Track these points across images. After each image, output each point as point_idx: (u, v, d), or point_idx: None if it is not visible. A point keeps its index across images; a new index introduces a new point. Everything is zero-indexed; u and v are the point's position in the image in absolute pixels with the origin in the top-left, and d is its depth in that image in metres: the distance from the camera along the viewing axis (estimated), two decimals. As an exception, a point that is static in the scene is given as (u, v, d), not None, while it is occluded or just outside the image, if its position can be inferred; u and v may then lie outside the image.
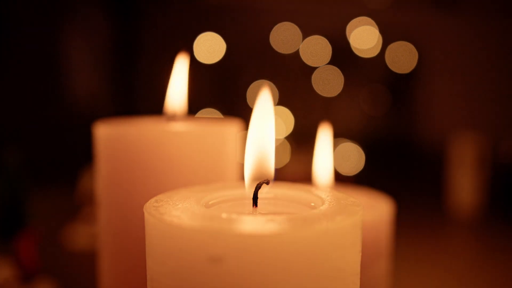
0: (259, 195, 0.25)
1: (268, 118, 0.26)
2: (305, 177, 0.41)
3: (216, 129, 0.37)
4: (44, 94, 1.54)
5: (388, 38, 1.71)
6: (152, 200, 0.25)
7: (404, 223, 0.74)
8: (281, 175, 0.26)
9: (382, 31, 1.70)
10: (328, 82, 1.72)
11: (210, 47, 1.69)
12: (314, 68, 1.73)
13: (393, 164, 1.66)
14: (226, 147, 0.37)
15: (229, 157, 0.37)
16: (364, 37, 1.71)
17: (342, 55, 1.72)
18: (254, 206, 0.25)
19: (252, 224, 0.21)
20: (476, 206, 1.16)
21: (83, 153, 0.82)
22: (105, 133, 0.36)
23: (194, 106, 0.41)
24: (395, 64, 1.74)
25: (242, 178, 0.26)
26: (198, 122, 0.39)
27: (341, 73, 1.72)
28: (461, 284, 0.76)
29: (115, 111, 1.70)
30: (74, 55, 1.67)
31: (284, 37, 1.72)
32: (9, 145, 0.71)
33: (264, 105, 0.26)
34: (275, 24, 1.71)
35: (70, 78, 1.67)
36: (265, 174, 0.25)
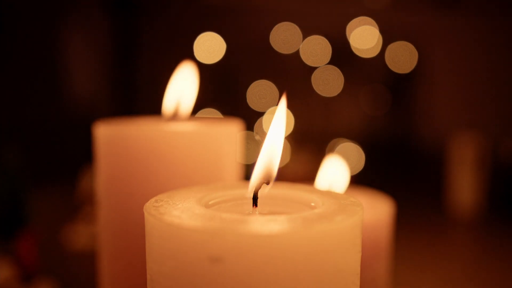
0: (259, 195, 0.25)
1: (281, 124, 0.26)
2: (305, 177, 0.41)
3: (216, 129, 0.37)
4: (44, 94, 1.54)
5: (388, 38, 1.71)
6: (152, 200, 0.25)
7: (404, 223, 0.74)
8: (281, 175, 0.26)
9: (382, 31, 1.70)
10: (328, 82, 1.73)
11: (210, 47, 1.69)
12: (314, 68, 1.73)
13: (393, 164, 1.66)
14: (226, 147, 0.37)
15: (229, 157, 0.37)
16: (364, 37, 1.71)
17: (342, 55, 1.72)
18: (254, 206, 0.25)
19: (252, 224, 0.21)
20: (476, 206, 1.16)
21: (83, 153, 0.82)
22: (105, 133, 0.36)
23: (194, 106, 0.41)
24: (395, 64, 1.74)
25: (243, 178, 0.26)
26: (198, 122, 0.39)
27: (341, 73, 1.72)
28: (461, 284, 0.76)
29: (115, 111, 1.71)
30: (74, 55, 1.67)
31: (284, 37, 1.72)
32: (9, 145, 0.71)
33: (281, 113, 0.27)
34: (275, 24, 1.71)
35: (70, 78, 1.67)
36: (270, 175, 0.26)
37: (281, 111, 0.27)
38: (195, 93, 0.40)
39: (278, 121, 0.26)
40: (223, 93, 1.80)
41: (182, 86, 0.40)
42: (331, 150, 1.64)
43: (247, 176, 0.27)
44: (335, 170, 0.40)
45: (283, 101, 0.27)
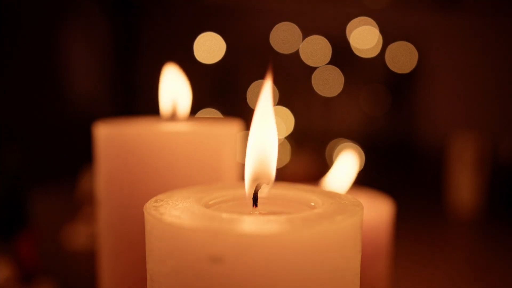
0: (259, 195, 0.25)
1: (269, 118, 0.25)
2: (305, 177, 0.41)
3: (216, 129, 0.37)
4: (44, 94, 1.54)
5: (388, 38, 1.71)
6: (152, 200, 0.25)
7: (404, 223, 0.74)
8: (281, 175, 0.26)
9: (382, 31, 1.70)
10: (328, 82, 1.73)
11: (210, 47, 1.69)
12: (314, 68, 1.73)
13: (393, 164, 1.66)
14: (226, 147, 0.37)
15: (229, 157, 0.37)
16: (364, 37, 1.71)
17: (342, 55, 1.72)
18: (254, 206, 0.25)
19: (252, 224, 0.21)
20: (476, 206, 1.16)
21: (83, 153, 0.82)
22: (105, 133, 0.36)
23: (194, 106, 0.41)
24: (395, 64, 1.74)
25: (242, 178, 0.26)
26: (198, 122, 0.39)
27: (341, 73, 1.72)
28: (460, 284, 0.76)
29: (115, 111, 1.71)
30: (74, 55, 1.67)
31: (284, 37, 1.72)
32: (9, 145, 0.71)
33: (265, 104, 0.25)
34: (275, 24, 1.71)
35: (70, 78, 1.67)
36: (266, 176, 0.25)
37: (266, 101, 0.25)
38: (190, 93, 0.40)
39: (264, 114, 0.25)
40: (223, 93, 1.81)
41: (175, 87, 0.40)
42: (332, 150, 1.64)
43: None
44: (346, 167, 0.40)
45: (268, 86, 0.25)
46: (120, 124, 0.37)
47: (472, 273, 0.81)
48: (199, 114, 1.54)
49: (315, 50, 1.72)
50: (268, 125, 0.25)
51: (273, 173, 0.26)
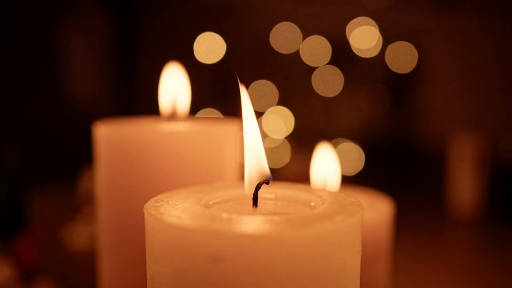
0: (259, 195, 0.25)
1: (252, 121, 0.26)
2: (305, 177, 0.41)
3: (216, 129, 0.37)
4: (44, 94, 1.54)
5: (388, 38, 1.71)
6: (152, 200, 0.25)
7: (404, 223, 0.74)
8: (281, 175, 0.26)
9: (382, 31, 1.70)
10: (328, 82, 1.73)
11: (210, 47, 1.69)
12: (314, 68, 1.73)
13: (393, 164, 1.66)
14: (226, 147, 0.37)
15: (229, 157, 0.37)
16: (364, 37, 1.71)
17: (342, 55, 1.72)
18: (254, 206, 0.25)
19: (252, 224, 0.21)
20: (476, 206, 1.16)
21: (83, 153, 0.82)
22: (105, 133, 0.36)
23: (194, 106, 0.41)
24: (395, 64, 1.74)
25: (242, 178, 0.26)
26: (198, 122, 0.39)
27: (341, 73, 1.72)
28: (461, 284, 0.76)
29: (115, 111, 1.71)
30: (74, 55, 1.67)
31: (284, 37, 1.72)
32: (9, 145, 0.71)
33: (247, 109, 0.26)
34: (275, 24, 1.72)
35: (70, 78, 1.67)
36: (263, 175, 0.26)
37: (246, 105, 0.26)
38: (189, 92, 0.40)
39: (248, 117, 0.26)
40: (223, 93, 1.81)
41: (175, 86, 0.40)
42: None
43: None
44: (327, 164, 0.40)
45: (243, 93, 0.26)
46: (120, 124, 0.37)
47: (472, 273, 0.81)
48: (199, 114, 1.54)
49: (315, 50, 1.72)
50: (253, 127, 0.26)
51: (268, 171, 0.26)
